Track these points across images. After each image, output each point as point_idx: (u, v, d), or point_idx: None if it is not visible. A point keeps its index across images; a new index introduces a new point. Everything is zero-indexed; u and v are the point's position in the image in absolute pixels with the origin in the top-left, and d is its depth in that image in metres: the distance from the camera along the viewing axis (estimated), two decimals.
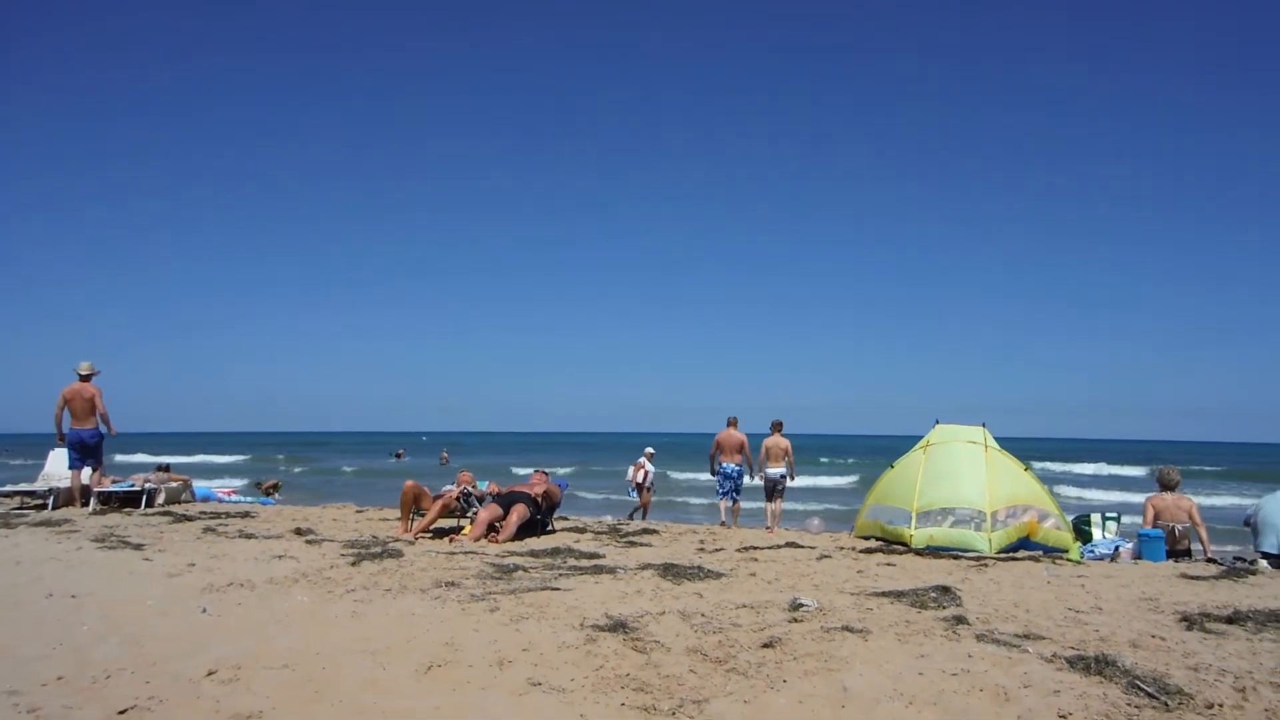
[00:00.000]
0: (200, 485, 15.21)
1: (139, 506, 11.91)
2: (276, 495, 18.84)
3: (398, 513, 10.35)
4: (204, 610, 5.15)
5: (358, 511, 12.80)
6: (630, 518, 14.95)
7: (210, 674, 3.82)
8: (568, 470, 38.66)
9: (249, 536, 8.80)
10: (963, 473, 9.92)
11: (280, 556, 7.37)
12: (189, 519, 10.49)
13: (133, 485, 12.47)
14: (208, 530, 9.30)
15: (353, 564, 6.98)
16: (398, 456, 53.25)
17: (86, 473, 12.00)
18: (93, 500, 11.75)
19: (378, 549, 7.73)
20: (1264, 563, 8.21)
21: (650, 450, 17.05)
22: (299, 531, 9.40)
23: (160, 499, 12.48)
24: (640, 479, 16.41)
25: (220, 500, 14.86)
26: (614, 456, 43.54)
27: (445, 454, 38.21)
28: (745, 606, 5.38)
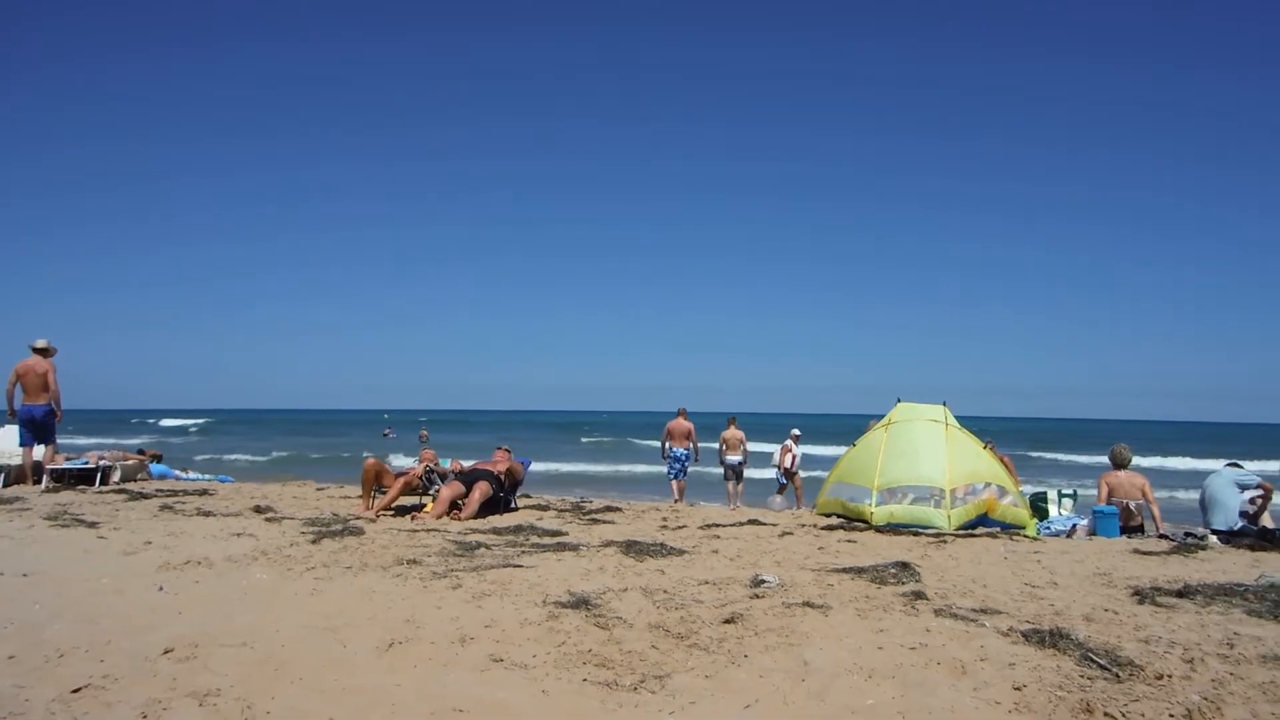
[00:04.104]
0: (159, 464, 14.99)
1: (93, 484, 11.69)
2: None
3: (359, 490, 10.27)
4: (160, 588, 5.08)
5: (318, 489, 12.69)
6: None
7: (167, 652, 3.77)
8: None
9: (207, 514, 8.69)
10: (923, 451, 10.03)
11: (239, 534, 7.29)
12: (145, 496, 10.32)
13: (86, 462, 12.24)
14: (165, 508, 9.16)
15: (313, 542, 6.91)
16: (386, 435, 53.00)
17: (39, 450, 11.77)
18: (45, 478, 11.53)
19: (339, 527, 7.67)
20: (1213, 538, 8.41)
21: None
22: (258, 509, 9.30)
23: (115, 476, 12.26)
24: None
25: (178, 478, 14.64)
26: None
27: (424, 431, 37.95)
28: (707, 583, 5.41)
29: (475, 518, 8.97)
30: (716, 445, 16.02)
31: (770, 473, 17.17)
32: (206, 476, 15.84)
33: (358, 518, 8.65)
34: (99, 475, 11.93)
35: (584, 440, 53.24)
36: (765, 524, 9.16)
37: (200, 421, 79.81)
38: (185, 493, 11.15)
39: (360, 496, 10.03)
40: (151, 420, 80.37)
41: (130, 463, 13.08)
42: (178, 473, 15.30)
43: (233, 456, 34.42)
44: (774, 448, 16.80)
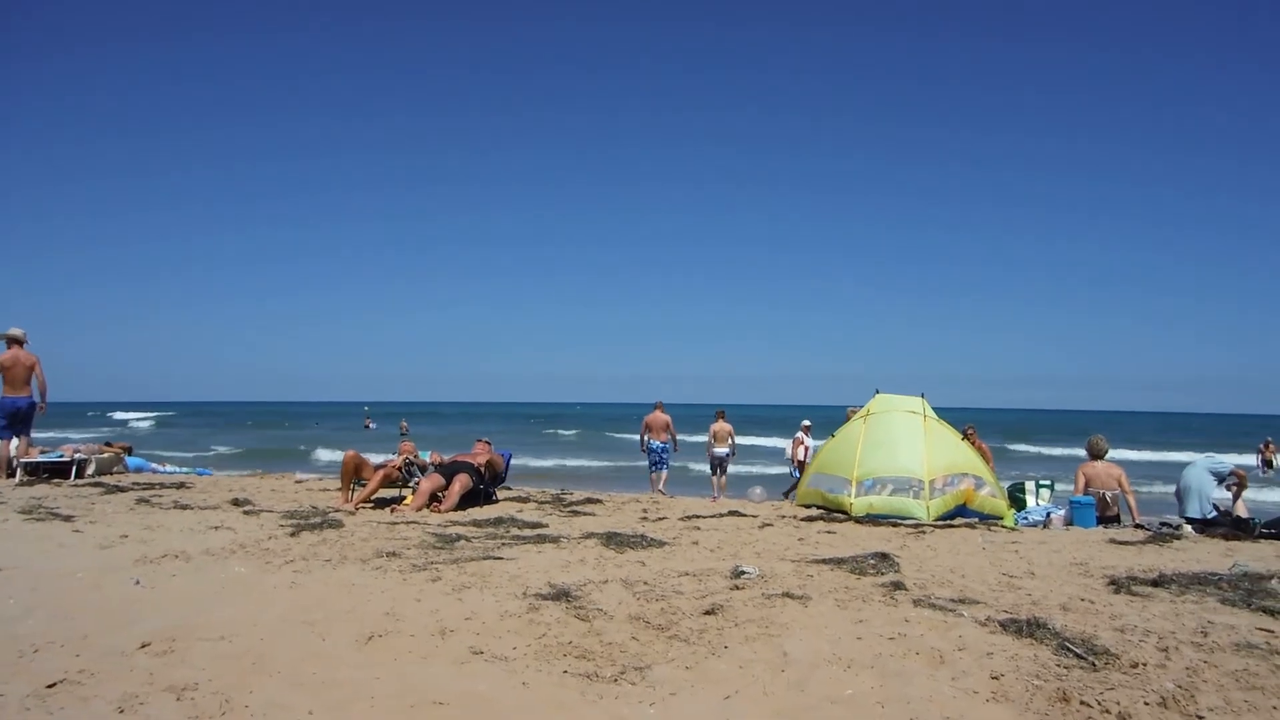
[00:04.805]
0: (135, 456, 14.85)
1: (68, 477, 11.57)
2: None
3: (338, 483, 10.22)
4: (137, 582, 5.04)
5: (297, 482, 12.62)
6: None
7: (144, 646, 3.74)
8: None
9: (184, 507, 8.62)
10: (901, 442, 10.09)
11: (216, 528, 7.23)
12: (121, 490, 10.24)
13: (61, 455, 12.11)
14: (141, 501, 9.09)
15: (292, 535, 6.87)
16: (367, 426, 52.70)
17: (14, 443, 11.63)
18: (19, 471, 11.40)
19: (317, 519, 7.63)
20: (1188, 528, 8.50)
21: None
22: (236, 502, 9.24)
23: (90, 469, 12.14)
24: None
25: (155, 471, 14.52)
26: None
27: (404, 423, 37.68)
28: (687, 574, 5.42)
29: (455, 510, 8.95)
30: (705, 438, 16.14)
31: (784, 468, 17.00)
32: (184, 470, 15.73)
33: (337, 510, 8.61)
34: (74, 468, 11.81)
35: (563, 432, 53.07)
36: (745, 515, 9.19)
37: (158, 415, 78.64)
38: (162, 486, 11.07)
39: (339, 489, 9.98)
40: (109, 414, 79.03)
41: (105, 455, 12.95)
42: (154, 465, 15.19)
43: (203, 451, 34.07)
44: (784, 442, 16.70)
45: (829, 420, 14.91)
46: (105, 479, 11.79)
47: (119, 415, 75.97)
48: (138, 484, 11.20)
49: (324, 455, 31.72)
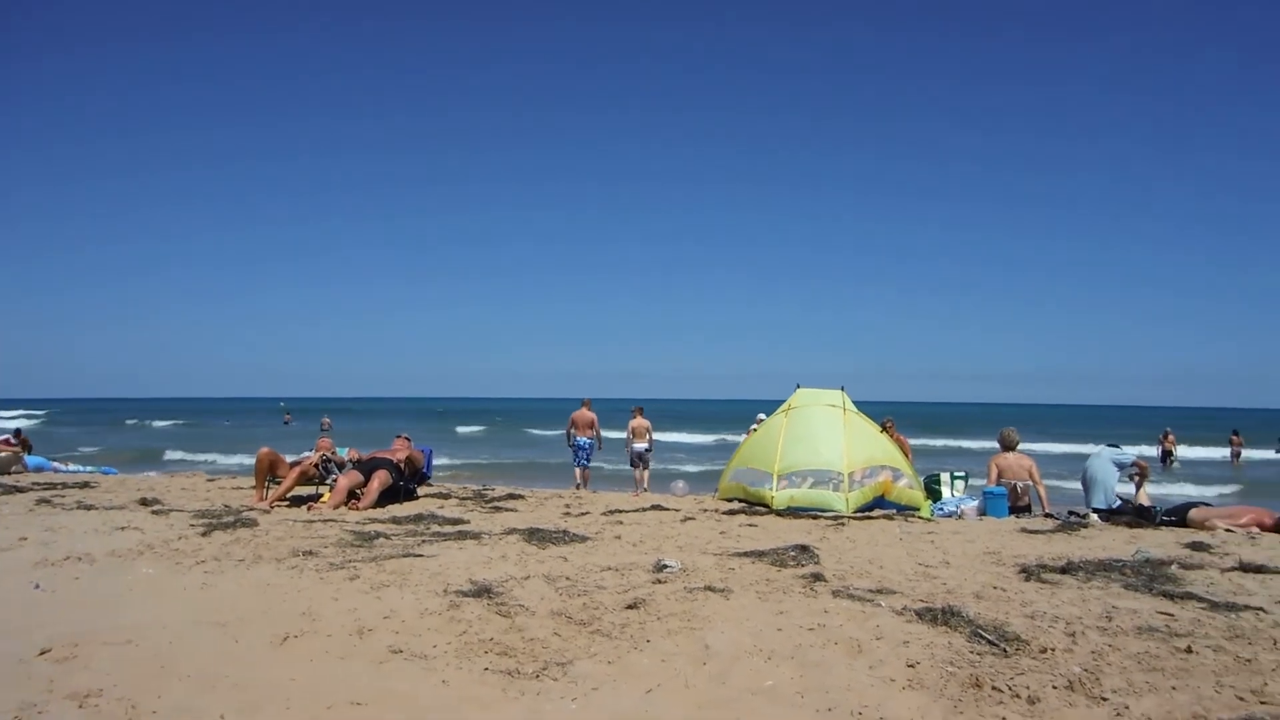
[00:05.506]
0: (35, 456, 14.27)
1: None
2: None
3: (252, 481, 9.97)
4: (37, 586, 4.84)
5: (209, 480, 12.30)
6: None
7: (44, 653, 3.59)
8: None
9: (88, 508, 8.31)
10: (822, 435, 10.23)
11: (123, 528, 6.98)
12: (20, 490, 9.84)
13: None
14: (42, 502, 8.73)
15: (203, 534, 6.67)
16: (286, 422, 51.46)
17: None
18: None
19: (230, 518, 7.43)
20: (1095, 517, 8.81)
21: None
22: (144, 502, 8.94)
23: None
24: None
25: (57, 470, 13.97)
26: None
27: (327, 419, 36.73)
28: (610, 569, 5.42)
29: (374, 507, 8.80)
30: (624, 435, 16.23)
31: (708, 464, 17.25)
32: (88, 468, 15.17)
33: (251, 509, 8.40)
34: None
35: (484, 427, 52.52)
36: (668, 509, 9.23)
37: (43, 413, 74.23)
38: (64, 486, 10.67)
39: (254, 487, 9.74)
40: None
41: (3, 455, 12.42)
42: (56, 464, 14.62)
43: (71, 451, 31.59)
44: (704, 437, 16.94)
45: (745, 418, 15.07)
46: (3, 479, 11.31)
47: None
48: (38, 484, 10.77)
49: (172, 456, 29.73)
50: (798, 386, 11.27)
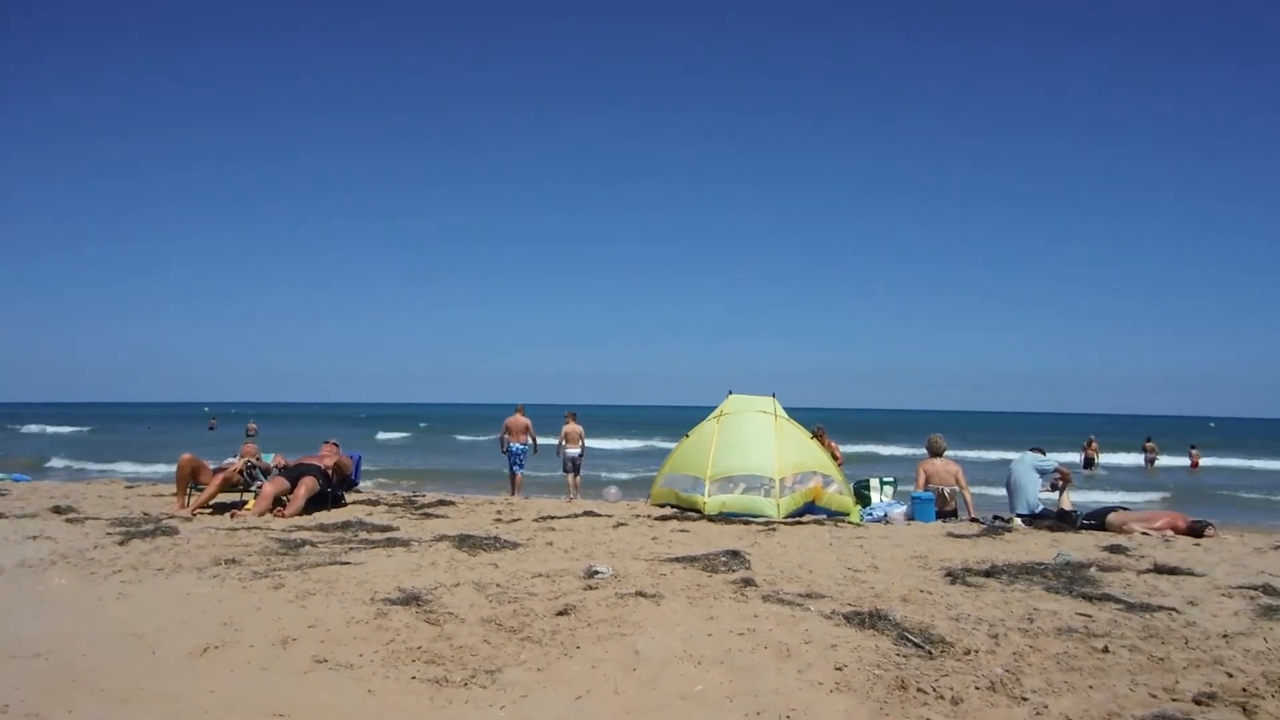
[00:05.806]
0: None
1: None
2: None
3: (173, 488, 9.69)
4: None
5: (128, 487, 11.94)
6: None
7: None
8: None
9: None
10: (753, 441, 10.33)
11: (35, 537, 6.71)
12: None
13: None
14: None
15: (120, 543, 6.45)
16: (211, 427, 50.06)
17: None
18: None
19: (149, 526, 7.20)
20: (1018, 521, 9.04)
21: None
22: (58, 510, 8.61)
23: None
24: None
25: None
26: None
27: (252, 425, 35.80)
28: (541, 575, 5.39)
29: (301, 514, 8.62)
30: (556, 440, 16.19)
31: (638, 471, 17.33)
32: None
33: (171, 516, 8.16)
34: None
35: (412, 433, 51.82)
36: (600, 515, 9.22)
37: None
38: None
39: (175, 494, 9.47)
40: None
41: None
42: None
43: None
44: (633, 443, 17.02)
45: (682, 423, 15.14)
46: None
47: None
48: None
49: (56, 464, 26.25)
50: (729, 393, 11.36)
